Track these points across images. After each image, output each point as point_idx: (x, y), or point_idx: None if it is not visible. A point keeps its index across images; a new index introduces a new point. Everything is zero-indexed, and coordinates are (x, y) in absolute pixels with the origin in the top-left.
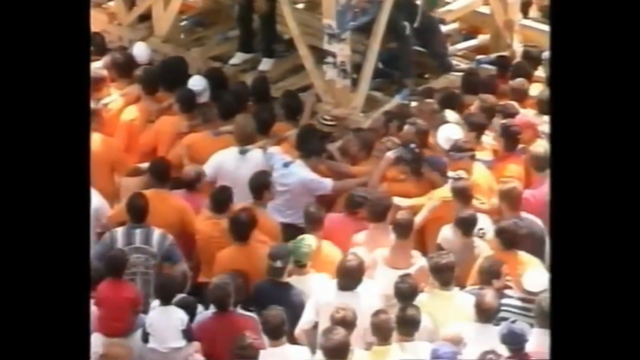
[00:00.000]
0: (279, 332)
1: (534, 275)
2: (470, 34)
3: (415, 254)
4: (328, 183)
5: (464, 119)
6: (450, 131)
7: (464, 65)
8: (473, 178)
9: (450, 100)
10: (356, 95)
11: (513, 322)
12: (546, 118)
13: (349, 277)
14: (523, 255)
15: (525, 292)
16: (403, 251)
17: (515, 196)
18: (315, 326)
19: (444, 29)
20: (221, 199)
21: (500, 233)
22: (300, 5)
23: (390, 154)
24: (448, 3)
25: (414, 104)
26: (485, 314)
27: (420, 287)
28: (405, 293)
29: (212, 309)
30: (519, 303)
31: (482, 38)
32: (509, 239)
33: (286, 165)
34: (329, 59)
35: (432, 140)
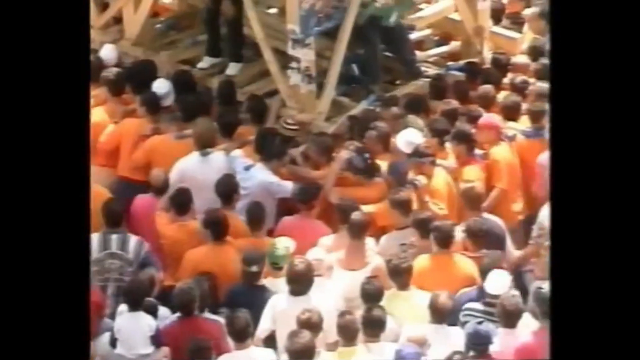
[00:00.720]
0: (244, 335)
1: (496, 277)
2: (443, 40)
3: (370, 253)
4: (288, 186)
5: (427, 125)
6: (410, 136)
7: (434, 71)
8: (432, 183)
9: (416, 106)
10: (321, 101)
11: (479, 323)
12: (512, 124)
13: (299, 281)
14: (457, 256)
15: (487, 295)
16: (357, 252)
17: (476, 196)
18: (273, 334)
19: (416, 35)
20: (182, 201)
21: (435, 231)
22: (274, 10)
23: (340, 156)
24: (420, 9)
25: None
26: (439, 314)
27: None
28: (372, 294)
29: (177, 314)
30: (481, 307)
31: (454, 44)
32: (444, 240)
33: (247, 168)
34: (293, 64)
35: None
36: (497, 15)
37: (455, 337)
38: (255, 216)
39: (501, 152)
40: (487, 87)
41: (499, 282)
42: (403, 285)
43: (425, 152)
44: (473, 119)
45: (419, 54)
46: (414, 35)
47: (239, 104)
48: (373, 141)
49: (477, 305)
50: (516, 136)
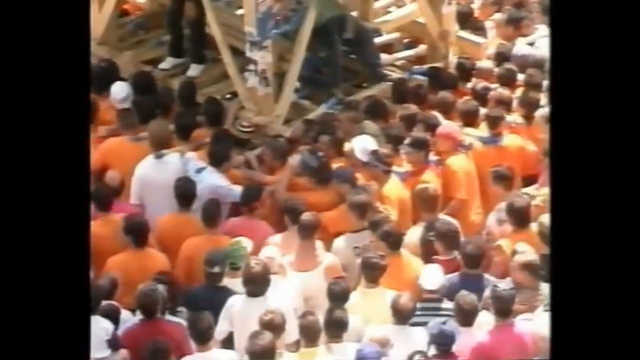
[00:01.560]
0: (207, 337)
1: (429, 273)
2: (412, 44)
3: (321, 252)
4: (237, 191)
5: (382, 130)
6: (364, 142)
7: (398, 75)
8: (384, 189)
9: (376, 110)
10: (279, 103)
11: (444, 323)
12: (469, 130)
13: (255, 282)
14: (407, 255)
15: (425, 291)
16: (308, 252)
17: (430, 197)
18: (231, 336)
19: (385, 38)
20: (102, 195)
21: (387, 236)
22: (242, 11)
23: (292, 161)
24: (389, 12)
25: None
26: (401, 315)
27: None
28: (338, 295)
29: (138, 316)
30: (423, 304)
31: (421, 48)
32: (394, 242)
33: (199, 171)
34: (251, 67)
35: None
36: (464, 19)
37: (418, 337)
38: (211, 213)
39: (459, 163)
40: (446, 93)
41: (433, 278)
42: (372, 282)
43: (379, 158)
44: (431, 126)
45: (386, 57)
46: (382, 39)
47: (199, 105)
48: (326, 146)
49: (422, 304)
50: (472, 144)
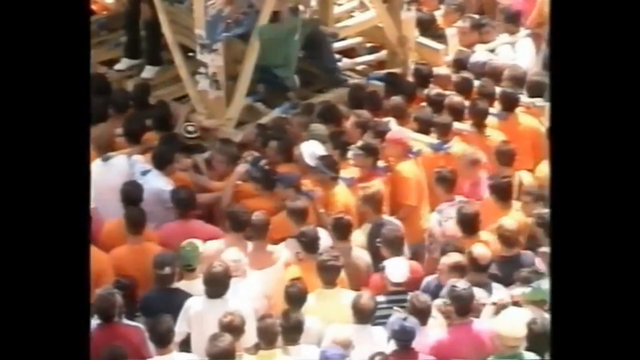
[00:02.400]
0: (166, 340)
1: (395, 265)
2: (376, 49)
3: (275, 249)
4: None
5: (331, 136)
6: (312, 147)
7: (356, 79)
8: (330, 195)
9: (329, 115)
10: (231, 107)
11: (404, 319)
12: (417, 136)
13: (216, 284)
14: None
15: (391, 284)
16: (261, 252)
17: (377, 200)
18: (188, 338)
19: (348, 42)
20: None
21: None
22: None
23: (239, 169)
24: (352, 17)
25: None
26: (362, 314)
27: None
28: (296, 297)
29: (96, 321)
30: (387, 298)
31: (382, 53)
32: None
33: (144, 173)
34: (202, 70)
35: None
36: (425, 26)
37: (378, 338)
38: (133, 220)
39: (409, 169)
40: (399, 99)
41: (399, 270)
42: (330, 283)
43: (326, 163)
44: (381, 132)
45: (347, 61)
46: (344, 43)
47: (152, 107)
48: (275, 150)
49: (385, 297)
50: (422, 150)
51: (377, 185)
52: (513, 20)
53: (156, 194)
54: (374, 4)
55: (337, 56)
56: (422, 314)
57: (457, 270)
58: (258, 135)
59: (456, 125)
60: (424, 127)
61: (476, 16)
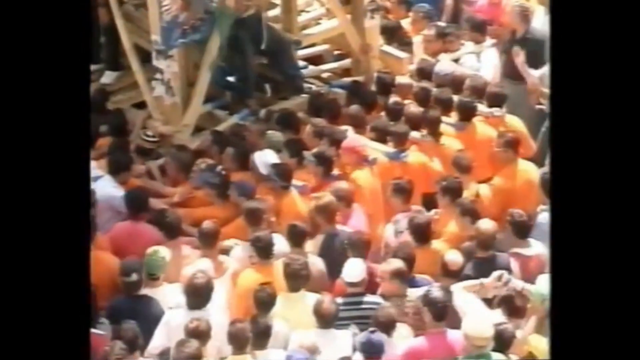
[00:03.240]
0: (133, 347)
1: (351, 267)
2: (342, 56)
3: (224, 259)
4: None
5: (286, 144)
6: (267, 155)
7: (319, 87)
8: (281, 204)
9: (288, 122)
10: (187, 113)
11: (372, 332)
12: (374, 144)
13: (198, 295)
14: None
15: (347, 285)
16: (212, 260)
17: (331, 210)
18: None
19: (315, 49)
20: None
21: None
22: None
23: (195, 176)
24: (319, 24)
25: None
26: (324, 319)
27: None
28: (265, 301)
29: None
30: (341, 299)
31: (347, 61)
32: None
33: (94, 179)
34: (158, 76)
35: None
36: (391, 33)
37: (342, 341)
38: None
39: (364, 177)
40: (356, 107)
41: (355, 270)
42: (295, 289)
43: (278, 172)
44: (337, 141)
45: (313, 68)
46: (312, 50)
47: (109, 113)
48: (230, 158)
49: (344, 299)
50: (377, 159)
51: (328, 195)
52: (479, 29)
53: (107, 200)
54: (337, 13)
55: (303, 63)
56: (387, 326)
57: (398, 276)
58: (214, 142)
59: (413, 134)
60: (381, 135)
61: (442, 24)
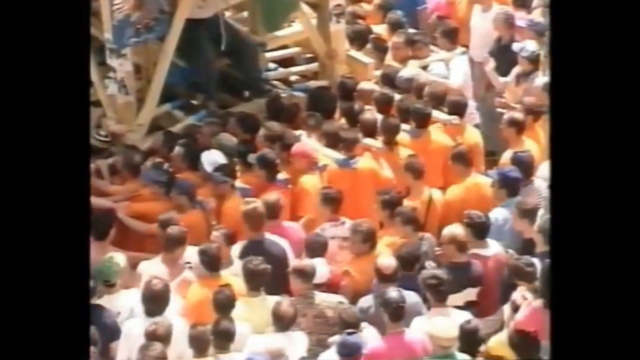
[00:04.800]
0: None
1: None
2: (313, 59)
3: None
4: None
5: (235, 146)
6: (213, 156)
7: (281, 89)
8: (224, 207)
9: (246, 124)
10: (141, 113)
11: (349, 334)
12: (328, 151)
13: (156, 300)
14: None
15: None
16: (173, 265)
17: (257, 217)
18: None
19: (287, 52)
20: None
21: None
22: None
23: (143, 174)
24: (291, 26)
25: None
26: (282, 322)
27: None
28: (224, 303)
29: None
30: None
31: (315, 64)
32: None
33: None
34: (111, 74)
35: None
36: (361, 38)
37: (299, 343)
38: None
39: (311, 182)
40: (311, 112)
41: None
42: (255, 290)
43: (223, 173)
44: (288, 145)
45: (281, 71)
46: (283, 52)
47: None
48: (179, 158)
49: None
50: (327, 165)
51: (258, 202)
52: (450, 36)
53: None
54: (300, 16)
55: (273, 65)
56: (352, 327)
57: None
58: (165, 142)
59: (368, 141)
60: (332, 141)
61: (412, 31)
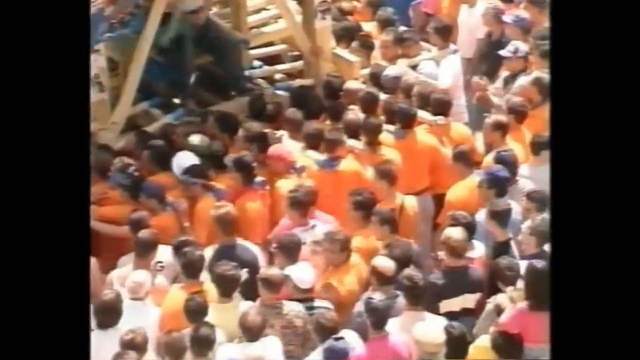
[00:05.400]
0: None
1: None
2: (300, 57)
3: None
4: None
5: (209, 147)
6: (185, 157)
7: (264, 88)
8: (197, 208)
9: (225, 124)
10: (116, 111)
11: (337, 339)
12: (309, 152)
13: (108, 312)
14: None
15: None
16: (146, 268)
17: (229, 221)
18: None
19: (273, 49)
20: None
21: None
22: None
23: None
24: (277, 23)
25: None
26: (250, 331)
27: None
28: (195, 310)
29: None
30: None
31: (300, 63)
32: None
33: None
34: None
35: None
36: (348, 35)
37: (272, 348)
38: None
39: (287, 186)
40: (292, 111)
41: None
42: (226, 296)
43: (195, 175)
44: (262, 146)
45: (267, 69)
46: (269, 49)
47: None
48: (147, 159)
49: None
50: (305, 167)
51: (229, 206)
52: (442, 33)
53: None
54: (283, 13)
55: (258, 63)
56: (330, 332)
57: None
58: (139, 142)
59: (352, 142)
60: (314, 142)
61: (403, 29)
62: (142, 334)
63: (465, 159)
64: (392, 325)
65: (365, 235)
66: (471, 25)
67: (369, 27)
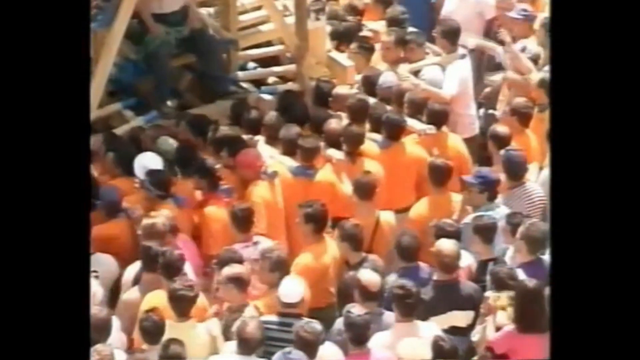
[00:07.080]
0: None
1: (289, 286)
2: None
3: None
4: None
5: (176, 151)
6: (147, 161)
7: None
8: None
9: (200, 128)
10: None
11: (289, 352)
12: (284, 158)
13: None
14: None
15: (284, 305)
16: None
17: (155, 233)
18: None
19: (271, 49)
20: None
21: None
22: None
23: None
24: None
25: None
26: (247, 344)
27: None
28: (151, 330)
29: None
30: (276, 319)
31: (293, 66)
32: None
33: None
34: None
35: None
36: (347, 36)
37: None
38: None
39: (259, 192)
40: (271, 116)
41: (293, 290)
42: (183, 315)
43: (154, 180)
44: (232, 152)
45: (258, 71)
46: (267, 50)
47: None
48: (110, 163)
49: (273, 318)
50: (277, 173)
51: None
52: (450, 37)
53: None
54: (271, 13)
55: (252, 65)
56: (310, 346)
57: (235, 282)
58: (104, 143)
59: (331, 152)
60: (289, 148)
61: (410, 29)
62: (109, 351)
63: (439, 173)
64: (382, 340)
65: (317, 253)
66: (466, 15)
67: (379, 25)
